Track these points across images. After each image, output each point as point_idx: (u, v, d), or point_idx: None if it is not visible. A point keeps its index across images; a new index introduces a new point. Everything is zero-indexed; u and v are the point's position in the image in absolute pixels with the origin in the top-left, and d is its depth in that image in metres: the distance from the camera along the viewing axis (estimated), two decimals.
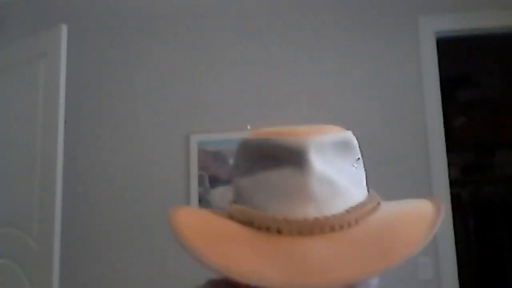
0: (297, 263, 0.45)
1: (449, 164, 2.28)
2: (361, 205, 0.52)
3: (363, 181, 0.58)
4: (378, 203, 0.55)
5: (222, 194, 2.31)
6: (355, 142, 0.58)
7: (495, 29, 2.33)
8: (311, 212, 0.50)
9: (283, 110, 2.38)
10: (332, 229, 0.49)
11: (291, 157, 0.52)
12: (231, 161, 2.36)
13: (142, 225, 2.39)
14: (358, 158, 0.58)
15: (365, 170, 0.59)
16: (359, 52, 2.39)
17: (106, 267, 2.39)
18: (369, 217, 0.52)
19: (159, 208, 2.39)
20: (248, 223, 0.52)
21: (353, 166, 0.57)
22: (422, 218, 0.51)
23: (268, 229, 0.50)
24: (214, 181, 2.35)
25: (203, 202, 2.33)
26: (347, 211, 0.51)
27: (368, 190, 0.57)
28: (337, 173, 0.53)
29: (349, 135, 0.58)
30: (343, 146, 0.56)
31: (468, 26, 2.33)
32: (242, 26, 2.51)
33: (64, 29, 2.23)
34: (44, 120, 2.21)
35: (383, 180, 2.22)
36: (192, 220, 0.55)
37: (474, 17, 2.32)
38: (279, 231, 0.49)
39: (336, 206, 0.51)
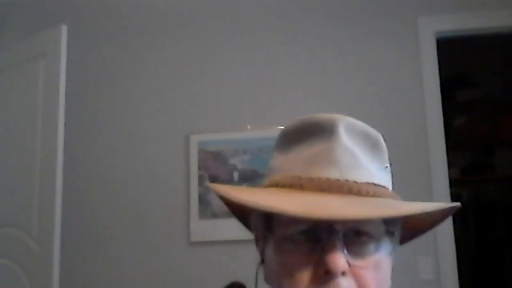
0: (311, 203, 0.51)
1: (449, 164, 2.28)
2: (384, 187, 0.58)
3: (389, 185, 0.62)
4: (398, 198, 0.59)
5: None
6: (385, 148, 0.62)
7: (495, 29, 2.34)
8: (334, 174, 0.55)
9: (283, 110, 2.38)
10: (350, 191, 0.54)
11: (322, 130, 0.58)
12: (231, 161, 2.36)
13: (142, 225, 2.39)
14: (387, 166, 0.62)
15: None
16: (359, 52, 2.39)
17: (106, 267, 2.39)
18: (388, 197, 0.57)
19: (159, 208, 2.39)
20: (274, 184, 0.58)
21: (382, 169, 0.60)
22: (436, 204, 0.57)
23: (291, 186, 0.56)
24: (214, 181, 2.35)
25: (203, 202, 2.33)
26: (368, 183, 0.56)
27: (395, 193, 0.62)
28: (364, 155, 0.58)
29: (380, 138, 0.62)
30: (374, 144, 0.60)
31: (468, 26, 2.33)
32: (242, 26, 2.51)
33: (64, 29, 2.23)
34: (44, 120, 2.21)
35: None
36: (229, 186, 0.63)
37: (474, 17, 2.32)
38: (301, 187, 0.55)
39: (359, 176, 0.56)
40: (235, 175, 2.34)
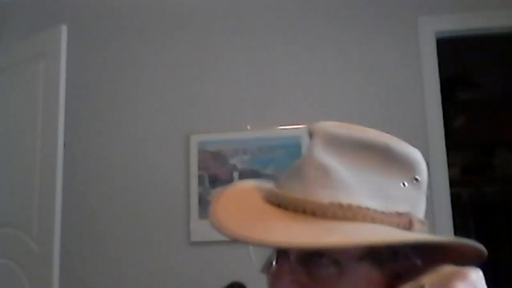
0: (257, 220, 0.51)
1: (449, 164, 2.28)
2: (359, 207, 0.50)
3: (403, 202, 0.53)
4: (397, 223, 0.51)
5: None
6: (408, 158, 0.55)
7: (495, 29, 2.33)
8: (296, 190, 0.52)
9: (283, 110, 2.38)
10: (304, 211, 0.50)
11: (307, 140, 0.57)
12: (231, 161, 2.36)
13: (142, 225, 2.39)
14: (416, 179, 0.55)
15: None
16: (359, 52, 2.39)
17: (106, 267, 2.39)
18: (360, 222, 0.49)
19: (159, 208, 2.39)
20: (267, 199, 0.57)
21: (395, 182, 0.53)
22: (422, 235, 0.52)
23: (268, 199, 0.55)
24: (214, 181, 2.35)
25: (203, 202, 2.33)
26: (330, 203, 0.50)
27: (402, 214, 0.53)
28: (346, 170, 0.52)
29: (395, 145, 0.55)
30: (376, 154, 0.54)
31: (468, 26, 2.33)
32: (242, 26, 2.51)
33: (64, 29, 2.23)
34: (44, 120, 2.21)
35: None
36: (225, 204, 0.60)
37: (474, 17, 2.32)
38: (276, 203, 0.54)
39: (322, 195, 0.51)
40: (235, 175, 2.34)
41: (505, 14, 2.29)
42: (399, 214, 0.52)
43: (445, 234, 2.15)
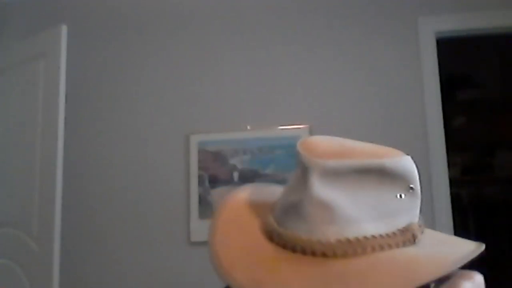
0: (261, 271, 0.49)
1: (449, 164, 2.28)
2: (367, 238, 0.49)
3: (406, 214, 0.53)
4: (402, 241, 0.51)
5: (222, 194, 2.31)
6: (402, 170, 0.53)
7: (495, 29, 2.33)
8: (302, 231, 0.51)
9: (283, 110, 2.38)
10: (314, 253, 0.49)
11: (300, 175, 0.53)
12: (231, 161, 2.36)
13: (142, 225, 2.39)
14: (411, 188, 0.53)
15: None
16: (359, 53, 2.39)
17: (106, 267, 2.39)
18: (370, 253, 0.49)
19: (159, 208, 2.39)
20: (264, 231, 0.55)
21: (396, 196, 0.53)
22: (435, 257, 0.48)
23: (269, 237, 0.54)
24: (214, 181, 2.35)
25: (203, 202, 2.33)
26: (338, 241, 0.49)
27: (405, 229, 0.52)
28: (348, 201, 0.51)
29: (390, 162, 0.52)
30: (375, 175, 0.52)
31: (468, 26, 2.33)
32: (242, 26, 2.51)
33: (64, 29, 2.23)
34: (44, 120, 2.21)
35: None
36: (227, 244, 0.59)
37: (474, 17, 2.32)
38: (277, 242, 0.52)
39: (329, 232, 0.49)
40: (235, 175, 2.34)
41: (505, 14, 2.29)
42: (402, 231, 0.51)
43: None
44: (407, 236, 0.51)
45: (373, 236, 0.50)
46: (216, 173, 2.35)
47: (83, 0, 2.68)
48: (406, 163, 0.53)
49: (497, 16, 2.30)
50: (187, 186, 2.37)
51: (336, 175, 0.51)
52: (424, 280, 0.44)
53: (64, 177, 2.15)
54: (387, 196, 0.52)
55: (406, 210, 0.54)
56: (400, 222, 0.52)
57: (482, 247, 0.49)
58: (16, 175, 2.31)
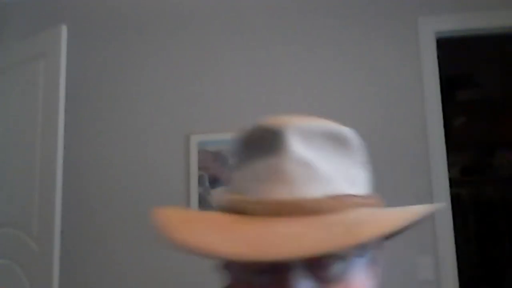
0: (252, 237, 0.44)
1: (449, 164, 2.28)
2: (347, 196, 0.49)
3: (364, 184, 0.55)
4: (374, 203, 0.52)
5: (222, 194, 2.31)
6: (357, 142, 0.55)
7: (495, 29, 2.33)
8: (284, 193, 0.48)
9: (283, 110, 2.38)
10: (304, 212, 0.47)
11: (271, 141, 0.51)
12: (231, 161, 2.36)
13: (142, 225, 2.39)
14: (362, 162, 0.55)
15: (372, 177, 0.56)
16: (359, 53, 2.39)
17: (106, 267, 2.39)
18: (352, 209, 0.49)
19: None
20: (222, 208, 0.52)
21: (352, 169, 0.53)
22: (406, 209, 0.48)
23: (238, 212, 0.49)
24: (214, 181, 2.35)
25: (203, 202, 2.33)
26: (324, 197, 0.48)
27: (370, 195, 0.54)
28: (323, 161, 0.51)
29: (347, 132, 0.54)
30: (339, 142, 0.53)
31: (468, 26, 2.33)
32: (242, 26, 2.51)
33: (64, 29, 2.23)
34: (44, 120, 2.21)
35: (383, 180, 2.22)
36: (173, 211, 0.54)
37: (474, 17, 2.32)
38: (247, 212, 0.48)
39: (314, 190, 0.48)
40: None
41: (505, 14, 2.29)
42: (367, 197, 0.52)
43: (445, 234, 2.16)
44: (372, 201, 0.52)
45: (352, 195, 0.50)
46: (216, 173, 2.36)
47: (83, 0, 2.68)
48: (359, 138, 0.55)
49: (497, 16, 2.30)
50: (187, 186, 2.37)
51: (309, 136, 0.51)
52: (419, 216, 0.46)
53: (64, 177, 2.15)
54: (351, 166, 0.53)
55: (361, 182, 0.54)
56: (362, 189, 0.54)
57: (434, 206, 0.49)
58: (16, 175, 2.31)
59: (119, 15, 2.63)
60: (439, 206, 0.49)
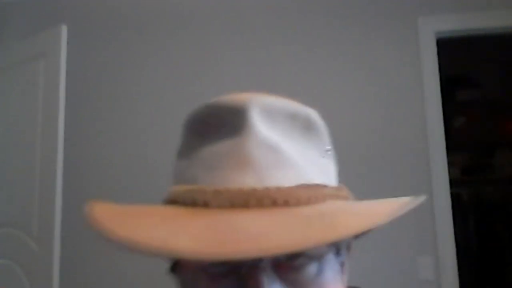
0: (216, 231, 0.35)
1: (449, 164, 2.27)
2: (320, 186, 0.42)
3: (332, 174, 0.48)
4: (346, 196, 0.45)
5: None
6: (323, 128, 0.48)
7: (495, 29, 2.33)
8: (248, 180, 0.40)
9: None
10: (274, 203, 0.39)
11: (230, 119, 0.43)
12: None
13: None
14: (328, 150, 0.48)
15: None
16: (359, 53, 2.39)
17: (106, 267, 2.39)
18: (327, 200, 0.42)
19: None
20: (171, 201, 0.44)
21: (321, 156, 0.47)
22: (389, 203, 0.41)
23: (194, 204, 0.41)
24: None
25: None
26: (297, 186, 0.41)
27: (341, 187, 0.47)
28: (290, 146, 0.44)
29: (314, 115, 0.47)
30: (305, 125, 0.46)
31: (468, 26, 2.33)
32: (242, 26, 2.51)
33: (64, 29, 2.23)
34: (44, 120, 2.21)
35: (383, 180, 2.22)
36: (110, 206, 0.45)
37: (474, 17, 2.32)
38: (206, 205, 0.40)
39: (283, 178, 0.41)
40: None
41: (505, 14, 2.29)
42: (337, 188, 0.46)
43: (445, 234, 2.16)
44: (344, 194, 0.45)
45: (324, 185, 0.43)
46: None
47: (83, 0, 2.68)
48: (324, 123, 0.48)
49: (497, 16, 2.30)
50: None
51: (274, 116, 0.44)
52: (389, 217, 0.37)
53: (64, 177, 2.15)
54: (315, 152, 0.46)
55: (329, 172, 0.48)
56: (331, 180, 0.47)
57: (417, 199, 0.41)
58: (16, 175, 2.31)
59: (119, 15, 2.63)
60: (420, 199, 0.40)
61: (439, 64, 2.31)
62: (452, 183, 2.31)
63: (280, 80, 2.42)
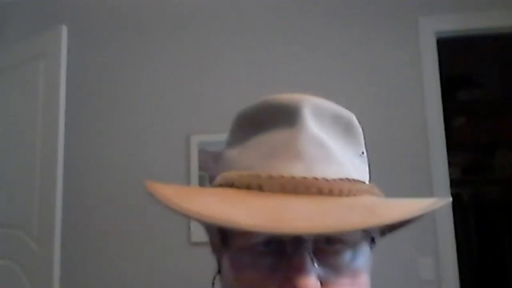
0: (271, 210, 0.40)
1: (449, 164, 2.27)
2: (358, 182, 0.47)
3: (366, 175, 0.53)
4: (379, 193, 0.50)
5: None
6: (360, 131, 0.54)
7: (495, 29, 2.33)
8: (299, 170, 0.45)
9: None
10: (320, 191, 0.44)
11: (284, 115, 0.49)
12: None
13: (142, 225, 2.39)
14: (363, 152, 0.53)
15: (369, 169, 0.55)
16: (359, 53, 2.39)
17: (106, 267, 2.39)
18: (363, 194, 0.47)
19: (159, 208, 2.38)
20: (228, 184, 0.48)
21: (357, 157, 0.52)
22: (421, 201, 0.45)
23: (248, 187, 0.45)
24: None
25: None
26: (341, 179, 0.46)
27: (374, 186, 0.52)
28: (333, 143, 0.49)
29: (354, 119, 0.53)
30: (347, 127, 0.52)
31: (468, 27, 2.33)
32: (242, 26, 2.51)
33: (64, 29, 2.23)
34: (44, 121, 2.21)
35: (383, 180, 2.22)
36: (171, 185, 0.53)
37: (474, 17, 2.32)
38: (260, 188, 0.45)
39: (329, 171, 0.46)
40: None
41: (505, 14, 2.29)
42: (373, 186, 0.50)
43: (445, 234, 2.16)
44: (376, 190, 0.50)
45: (362, 181, 0.48)
46: (217, 174, 2.35)
47: (83, 0, 2.68)
48: (358, 123, 0.54)
49: (497, 16, 2.30)
50: None
51: (322, 116, 0.50)
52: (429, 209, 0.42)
53: (64, 177, 2.15)
54: (353, 152, 0.51)
55: (362, 170, 0.53)
56: (365, 179, 0.52)
57: (444, 200, 0.45)
58: (16, 175, 2.31)
59: (119, 15, 2.63)
60: (447, 200, 0.45)
61: (439, 64, 2.31)
62: (453, 183, 2.31)
63: (280, 80, 2.42)
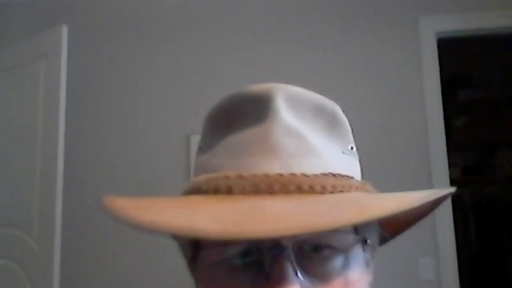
0: (240, 213, 0.34)
1: (449, 164, 2.27)
2: (345, 177, 0.42)
3: (356, 171, 0.47)
4: (371, 190, 0.45)
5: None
6: (347, 125, 0.48)
7: (495, 29, 2.33)
8: (274, 167, 0.40)
9: None
10: (299, 189, 0.38)
11: (254, 108, 0.44)
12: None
13: None
14: (352, 147, 0.48)
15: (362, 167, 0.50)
16: (359, 53, 2.39)
17: (106, 267, 2.39)
18: (352, 191, 0.41)
19: None
20: (193, 191, 0.42)
21: (343, 152, 0.46)
22: (415, 193, 0.40)
23: (217, 191, 0.39)
24: None
25: None
26: (324, 174, 0.40)
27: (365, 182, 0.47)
28: (314, 136, 0.43)
29: (339, 110, 0.47)
30: (330, 119, 0.46)
31: (468, 27, 2.33)
32: (242, 26, 2.51)
33: (64, 29, 2.23)
34: (45, 120, 2.21)
35: (383, 180, 2.22)
36: (131, 198, 0.42)
37: (474, 17, 2.32)
38: (229, 191, 0.38)
39: (309, 166, 0.40)
40: None
41: (505, 14, 2.29)
42: (366, 183, 0.45)
43: (445, 235, 2.15)
44: (368, 187, 0.44)
45: (349, 176, 0.42)
46: None
47: (83, 0, 2.68)
48: (344, 116, 0.48)
49: (497, 16, 2.30)
50: None
51: (299, 106, 0.44)
52: (416, 203, 0.36)
53: (64, 177, 2.15)
54: (339, 146, 0.46)
55: (352, 167, 0.47)
56: (355, 175, 0.45)
57: (445, 190, 0.40)
58: (16, 175, 2.31)
59: (120, 15, 2.63)
60: (449, 190, 0.40)
61: (440, 64, 2.31)
62: (453, 183, 2.31)
63: (280, 80, 2.40)
